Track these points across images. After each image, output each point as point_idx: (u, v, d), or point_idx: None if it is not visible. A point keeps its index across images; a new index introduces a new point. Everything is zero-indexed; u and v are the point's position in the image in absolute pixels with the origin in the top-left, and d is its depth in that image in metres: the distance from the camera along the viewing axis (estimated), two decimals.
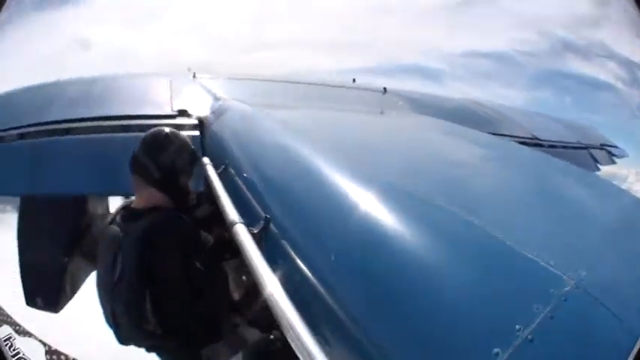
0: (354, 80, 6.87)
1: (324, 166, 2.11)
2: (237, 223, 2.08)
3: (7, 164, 3.80)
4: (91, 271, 3.80)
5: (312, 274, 1.56)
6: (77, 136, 3.86)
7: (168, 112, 4.07)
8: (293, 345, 1.26)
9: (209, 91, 4.57)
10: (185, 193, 2.84)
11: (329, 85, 6.25)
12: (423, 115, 4.74)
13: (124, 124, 3.87)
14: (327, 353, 1.16)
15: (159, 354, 2.73)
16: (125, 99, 4.40)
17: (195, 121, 3.93)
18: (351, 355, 1.28)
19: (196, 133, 3.79)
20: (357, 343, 1.27)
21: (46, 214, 3.94)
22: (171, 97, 4.27)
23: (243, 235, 1.94)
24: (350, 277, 1.46)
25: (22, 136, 3.90)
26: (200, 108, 4.11)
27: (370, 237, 1.51)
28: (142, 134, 2.87)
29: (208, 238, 2.80)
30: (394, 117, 4.69)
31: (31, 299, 4.08)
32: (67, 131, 3.91)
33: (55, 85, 4.86)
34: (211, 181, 2.87)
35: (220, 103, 4.12)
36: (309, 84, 6.04)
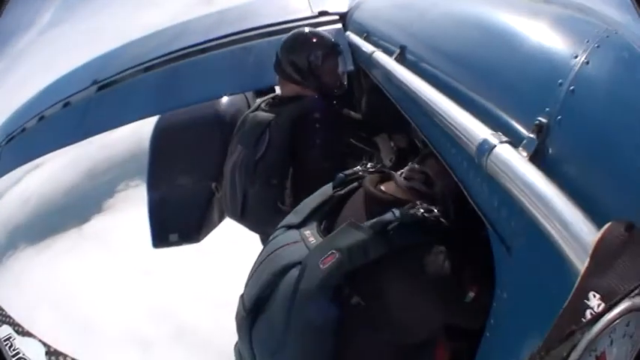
0: None
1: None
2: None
3: (149, 90, 4.33)
4: None
5: None
6: (218, 51, 4.28)
7: (309, 14, 4.35)
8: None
9: None
10: (327, 86, 3.12)
11: None
12: None
13: (267, 31, 4.15)
14: None
15: None
16: (263, 13, 4.69)
17: (336, 17, 4.16)
18: None
19: (339, 26, 4.05)
20: None
21: (188, 139, 4.05)
22: (309, 2, 4.51)
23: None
24: None
25: (153, 67, 4.45)
26: (339, 6, 4.31)
27: None
28: (285, 36, 3.18)
29: (352, 119, 3.02)
30: None
31: (164, 237, 4.13)
32: (204, 50, 4.35)
33: (182, 23, 5.42)
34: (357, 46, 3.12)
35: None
36: None
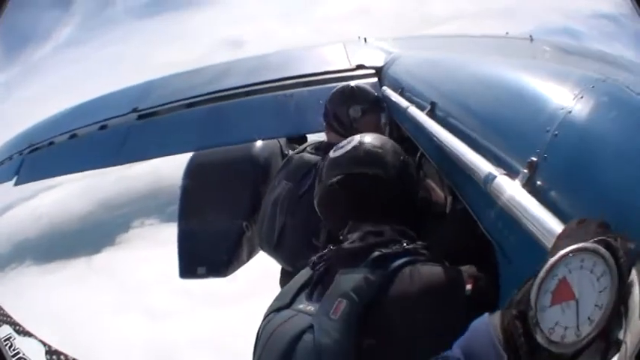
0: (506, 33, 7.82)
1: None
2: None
3: (191, 126, 4.81)
4: None
5: None
6: (260, 95, 4.81)
7: (347, 66, 4.83)
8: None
9: (381, 49, 5.31)
10: None
11: (480, 37, 7.27)
12: None
13: (307, 80, 4.60)
14: None
15: None
16: (302, 62, 5.21)
17: (372, 71, 4.59)
18: None
19: (374, 80, 4.51)
20: None
21: (223, 177, 4.36)
22: (347, 55, 5.00)
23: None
24: None
25: (196, 103, 4.93)
26: (375, 61, 4.81)
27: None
28: (325, 86, 3.62)
29: None
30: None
31: (192, 270, 4.34)
32: (247, 94, 4.88)
33: (225, 63, 5.91)
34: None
35: (393, 55, 4.77)
36: (465, 37, 6.80)
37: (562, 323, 0.94)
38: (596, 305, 0.92)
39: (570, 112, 1.46)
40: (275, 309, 1.87)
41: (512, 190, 1.47)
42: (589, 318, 0.92)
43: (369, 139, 2.20)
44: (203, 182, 4.39)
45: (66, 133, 5.42)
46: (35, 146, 5.59)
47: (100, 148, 5.13)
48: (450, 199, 2.57)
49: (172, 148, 4.63)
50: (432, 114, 2.61)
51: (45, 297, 17.54)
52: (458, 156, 1.97)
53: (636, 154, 1.20)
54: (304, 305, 1.78)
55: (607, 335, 0.93)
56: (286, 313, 1.80)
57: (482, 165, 1.71)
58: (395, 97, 3.51)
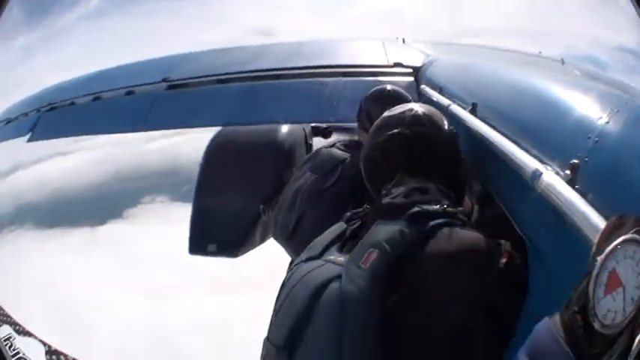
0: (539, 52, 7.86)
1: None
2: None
3: (222, 101, 4.92)
4: None
5: None
6: (295, 80, 4.90)
7: (385, 63, 4.90)
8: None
9: (419, 50, 5.40)
10: None
11: (515, 52, 7.24)
12: None
13: (344, 71, 4.65)
14: None
15: None
16: (340, 53, 5.27)
17: (410, 70, 4.60)
18: None
19: (411, 79, 4.56)
20: None
21: (245, 158, 4.39)
22: (385, 53, 5.05)
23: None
24: None
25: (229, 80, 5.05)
26: (413, 61, 4.86)
27: None
28: (362, 79, 3.64)
29: None
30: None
31: (202, 246, 4.37)
32: (282, 77, 4.97)
33: (260, 46, 6.00)
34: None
35: (431, 57, 4.83)
36: (501, 50, 6.92)
37: (613, 309, 1.07)
38: (636, 287, 1.07)
39: (608, 122, 1.57)
40: (304, 259, 1.89)
41: (559, 186, 1.52)
42: (632, 299, 1.06)
43: (422, 106, 2.31)
44: (225, 160, 4.42)
45: (89, 95, 5.54)
46: (54, 105, 5.70)
47: (125, 113, 5.23)
48: (476, 208, 2.58)
49: (200, 121, 4.74)
50: (473, 113, 2.66)
51: (41, 263, 17.49)
52: (504, 152, 2.02)
53: None
54: (335, 257, 1.79)
55: None
56: (315, 262, 1.82)
57: (530, 162, 1.76)
58: (435, 95, 3.56)
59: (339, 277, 1.66)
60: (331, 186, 3.22)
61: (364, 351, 1.54)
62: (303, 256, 1.92)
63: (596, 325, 1.07)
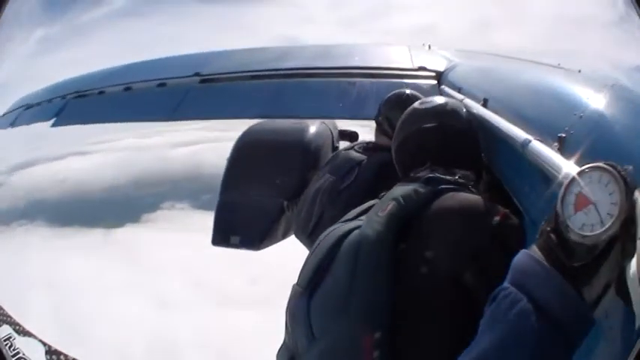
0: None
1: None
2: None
3: (253, 96, 5.41)
4: None
5: None
6: (323, 79, 5.35)
7: (410, 67, 5.29)
8: None
9: (443, 56, 5.77)
10: None
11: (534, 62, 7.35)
12: None
13: (371, 72, 5.06)
14: None
15: None
16: (367, 56, 5.69)
17: (433, 74, 4.98)
18: None
19: (434, 82, 4.96)
20: None
21: (272, 155, 4.62)
22: (410, 57, 5.44)
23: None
24: None
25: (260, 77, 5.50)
26: (436, 66, 5.25)
27: None
28: (388, 80, 3.98)
29: None
30: None
31: (225, 237, 4.59)
32: (311, 75, 5.44)
33: (290, 47, 6.48)
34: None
35: (453, 62, 5.21)
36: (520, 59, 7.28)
37: (589, 222, 1.18)
38: (611, 203, 1.16)
39: (593, 100, 1.91)
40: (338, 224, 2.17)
41: (546, 150, 1.86)
42: (608, 213, 1.15)
43: (448, 100, 2.72)
44: (253, 156, 4.69)
45: (120, 85, 5.96)
46: (82, 93, 6.17)
47: (155, 103, 5.68)
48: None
49: (230, 113, 5.21)
50: (484, 105, 3.02)
51: (49, 260, 17.65)
52: (499, 128, 2.42)
53: (636, 129, 1.64)
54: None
55: (627, 228, 1.16)
56: (345, 225, 2.10)
57: (520, 133, 2.13)
58: (452, 92, 3.93)
59: (361, 227, 1.97)
60: (347, 187, 3.49)
61: (372, 288, 1.82)
62: (339, 222, 2.20)
63: (573, 236, 1.18)
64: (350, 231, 1.99)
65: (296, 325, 2.02)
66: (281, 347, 2.17)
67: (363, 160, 3.59)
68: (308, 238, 3.55)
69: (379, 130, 3.85)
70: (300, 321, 1.96)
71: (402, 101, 3.62)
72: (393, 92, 3.89)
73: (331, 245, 2.00)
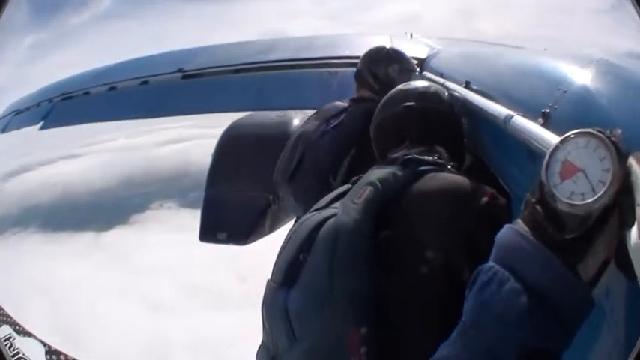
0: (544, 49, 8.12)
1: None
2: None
3: (236, 89, 5.40)
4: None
5: None
6: (305, 70, 5.33)
7: None
8: None
9: (425, 44, 5.70)
10: None
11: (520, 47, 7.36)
12: None
13: (352, 62, 5.01)
14: None
15: None
16: (348, 46, 5.63)
17: (415, 62, 4.93)
18: None
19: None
20: None
21: (257, 149, 4.58)
22: (392, 45, 5.37)
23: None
24: None
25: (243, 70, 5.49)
26: (418, 53, 5.17)
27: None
28: None
29: None
30: None
31: (212, 234, 4.66)
32: (294, 67, 5.40)
33: (272, 40, 6.44)
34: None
35: (435, 50, 5.18)
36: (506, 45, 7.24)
37: (578, 191, 1.07)
38: (602, 170, 1.05)
39: (577, 76, 1.86)
40: (311, 211, 2.04)
41: (529, 125, 1.82)
42: (600, 180, 1.05)
43: (431, 83, 2.71)
44: (237, 150, 4.70)
45: (104, 85, 5.95)
46: (68, 95, 6.14)
47: (139, 101, 5.67)
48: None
49: (214, 106, 5.19)
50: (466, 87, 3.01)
51: (43, 267, 17.57)
52: (481, 107, 2.39)
53: (622, 101, 1.59)
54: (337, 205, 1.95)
55: (623, 197, 1.05)
56: (318, 213, 1.96)
57: (502, 110, 2.10)
58: (434, 77, 3.87)
59: (336, 215, 1.83)
60: (331, 130, 3.42)
61: (354, 279, 1.70)
62: (311, 210, 2.05)
63: (561, 206, 1.08)
64: (324, 220, 1.85)
65: (274, 324, 1.88)
66: (260, 347, 2.04)
67: (349, 107, 3.55)
68: (287, 183, 3.50)
69: (361, 85, 3.85)
70: (279, 319, 1.83)
71: (384, 54, 3.82)
72: (372, 48, 3.93)
73: (305, 236, 1.86)
